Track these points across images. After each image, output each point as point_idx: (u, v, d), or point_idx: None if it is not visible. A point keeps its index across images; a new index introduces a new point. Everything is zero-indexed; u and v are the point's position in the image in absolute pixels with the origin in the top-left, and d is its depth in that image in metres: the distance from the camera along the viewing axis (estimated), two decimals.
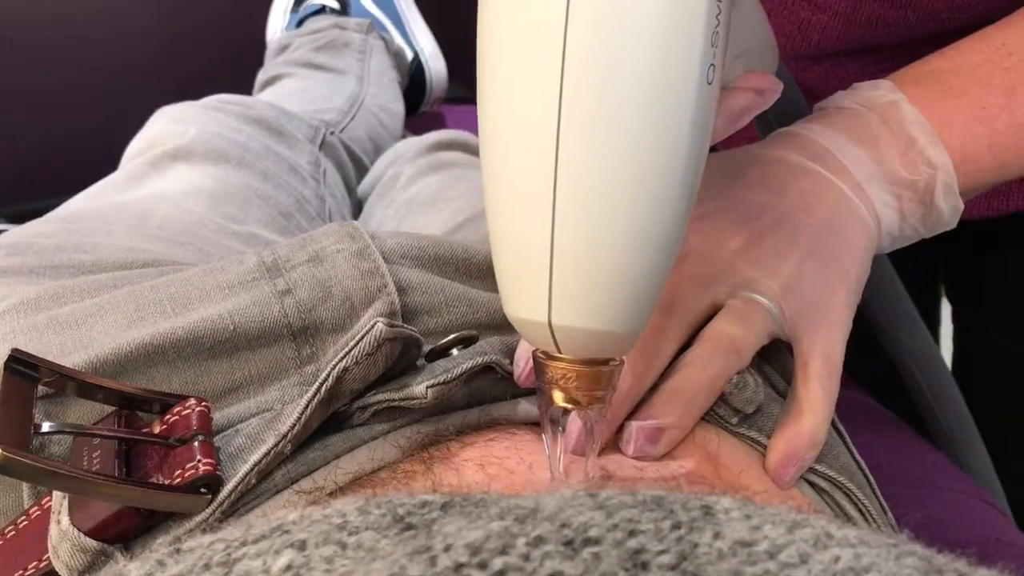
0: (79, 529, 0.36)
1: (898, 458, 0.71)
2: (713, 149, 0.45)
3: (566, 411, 0.34)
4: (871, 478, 0.47)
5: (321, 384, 0.38)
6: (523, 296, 0.32)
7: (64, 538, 0.36)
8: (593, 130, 0.30)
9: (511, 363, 0.43)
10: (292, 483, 0.39)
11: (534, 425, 0.43)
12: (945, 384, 0.71)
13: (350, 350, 0.38)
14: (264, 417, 0.42)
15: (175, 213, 0.64)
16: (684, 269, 0.45)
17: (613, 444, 0.42)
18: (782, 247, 0.46)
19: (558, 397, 0.34)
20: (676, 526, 0.23)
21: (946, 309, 1.00)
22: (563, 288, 0.31)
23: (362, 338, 0.38)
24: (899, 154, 0.50)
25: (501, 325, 0.47)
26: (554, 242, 0.30)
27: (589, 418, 0.35)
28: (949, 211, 0.51)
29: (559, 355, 0.33)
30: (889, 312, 0.68)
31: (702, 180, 0.34)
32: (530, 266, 0.31)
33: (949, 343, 0.97)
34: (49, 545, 0.37)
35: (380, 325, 0.39)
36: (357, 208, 0.89)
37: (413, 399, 0.39)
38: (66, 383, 0.40)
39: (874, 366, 0.74)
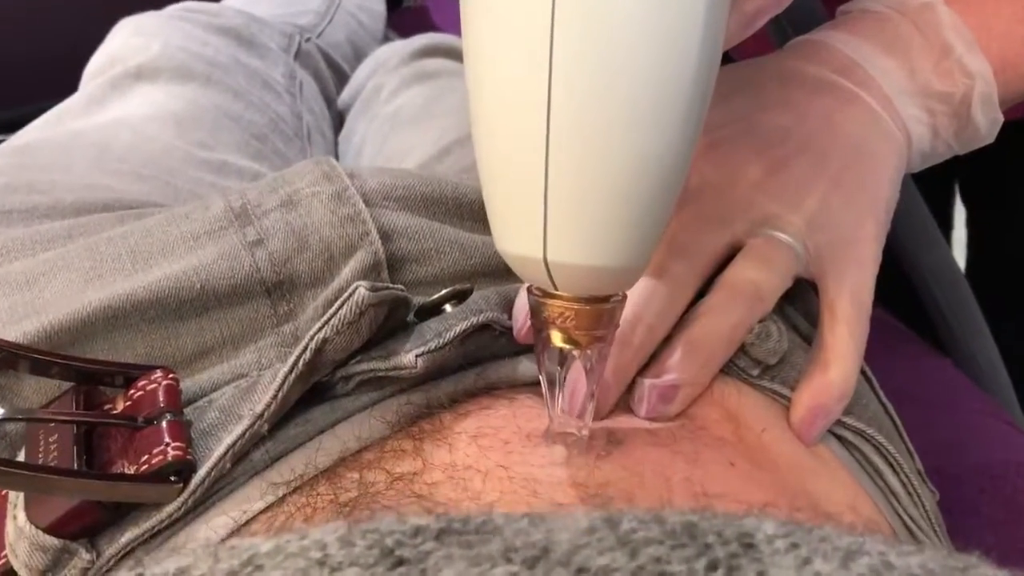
0: (37, 526, 0.32)
1: (915, 378, 0.68)
2: (725, 59, 0.40)
3: (563, 352, 0.31)
4: (899, 424, 0.44)
5: (299, 357, 0.34)
6: (515, 230, 0.29)
7: (21, 536, 0.32)
8: (589, 45, 0.26)
9: (510, 317, 0.39)
10: (273, 462, 0.35)
11: (536, 385, 0.39)
12: (965, 301, 0.67)
13: (329, 319, 0.34)
14: (239, 386, 0.38)
15: (138, 142, 0.59)
16: (698, 206, 0.41)
17: (624, 404, 0.38)
18: (806, 176, 0.42)
19: (556, 337, 0.31)
20: (712, 566, 0.20)
21: (960, 213, 0.96)
22: (559, 221, 0.28)
23: (342, 305, 0.34)
24: (933, 63, 0.45)
25: (498, 272, 0.43)
26: (548, 170, 0.27)
27: (589, 359, 0.32)
28: (987, 125, 0.46)
29: (556, 293, 0.30)
30: (906, 225, 0.64)
31: (713, 101, 0.30)
32: (522, 197, 0.28)
33: (962, 248, 0.94)
34: (6, 543, 0.33)
35: (362, 290, 0.34)
36: (338, 121, 0.84)
37: (401, 368, 0.35)
38: (18, 360, 0.36)
39: (888, 279, 0.70)
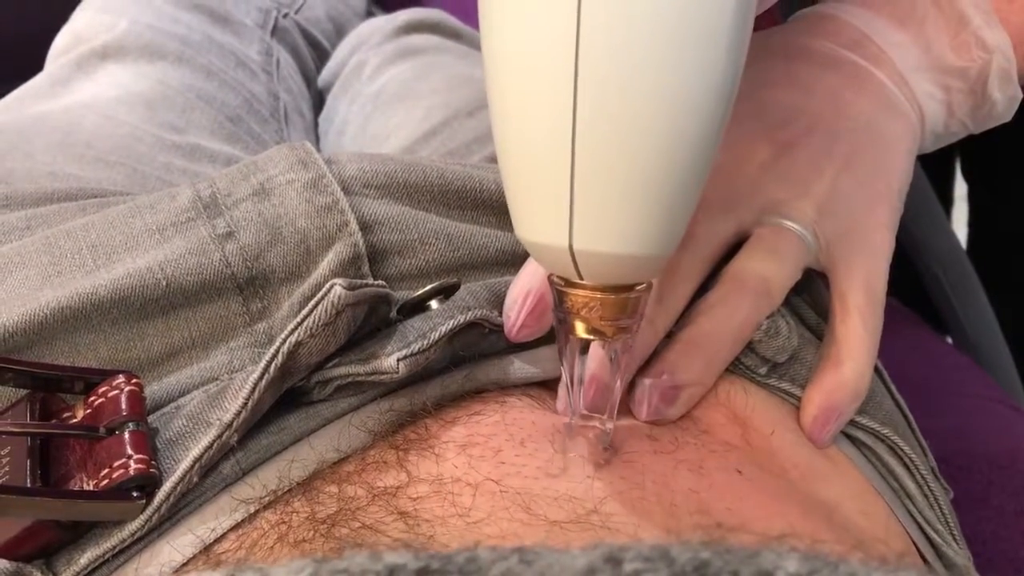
0: None
1: (920, 363, 0.66)
2: None
3: (587, 343, 0.30)
4: (912, 420, 0.41)
5: (270, 362, 0.31)
6: (539, 218, 0.28)
7: None
8: (618, 23, 0.24)
9: (500, 314, 0.36)
10: (244, 474, 0.33)
11: (529, 387, 0.36)
12: (971, 288, 0.65)
13: (302, 320, 0.31)
14: (208, 390, 0.35)
15: (105, 126, 0.55)
16: None
17: (622, 406, 0.35)
18: (815, 159, 0.39)
19: (580, 328, 0.30)
20: None
21: (959, 188, 0.94)
22: (586, 208, 0.27)
23: (316, 305, 0.32)
24: (948, 37, 0.42)
25: (487, 264, 0.40)
26: (575, 155, 0.26)
27: (614, 350, 0.30)
28: (1004, 102, 0.44)
29: (579, 282, 0.28)
30: (912, 212, 0.62)
31: None
32: (547, 183, 0.27)
33: (962, 224, 0.91)
34: None
35: (338, 289, 0.32)
36: (318, 102, 0.80)
37: (382, 373, 0.33)
38: None
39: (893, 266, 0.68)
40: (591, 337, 0.30)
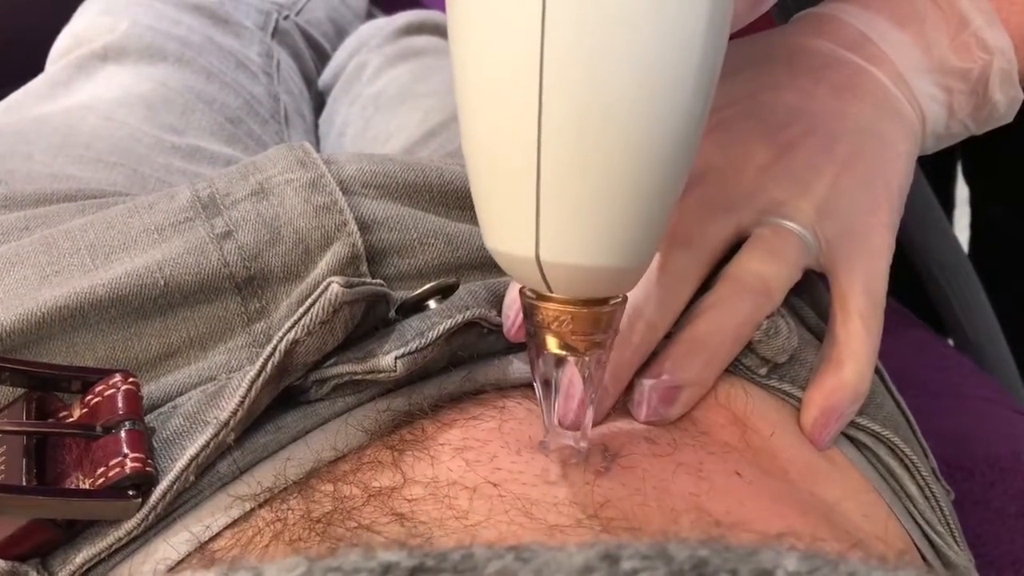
0: None
1: (922, 364, 0.65)
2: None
3: (560, 359, 0.29)
4: (913, 422, 0.41)
5: (266, 361, 0.31)
6: (505, 227, 0.27)
7: None
8: (584, 26, 0.23)
9: (499, 314, 0.36)
10: (241, 473, 0.32)
11: (529, 389, 0.36)
12: (973, 293, 0.64)
13: (299, 319, 0.31)
14: (206, 390, 0.35)
15: (105, 127, 0.55)
16: (701, 192, 0.38)
17: (621, 407, 0.35)
18: (815, 160, 0.39)
19: (551, 343, 0.28)
20: None
21: (961, 193, 0.94)
22: (552, 217, 0.26)
23: (313, 303, 0.31)
24: (949, 37, 0.42)
25: (486, 264, 0.40)
26: (540, 162, 0.25)
27: (587, 366, 0.29)
28: (1006, 103, 0.43)
29: (550, 295, 0.28)
30: (913, 215, 0.61)
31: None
32: (512, 191, 0.26)
33: (964, 226, 0.91)
34: None
35: (335, 287, 0.31)
36: (318, 103, 0.80)
37: (379, 372, 0.32)
38: None
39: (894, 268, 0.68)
40: (563, 352, 0.28)
